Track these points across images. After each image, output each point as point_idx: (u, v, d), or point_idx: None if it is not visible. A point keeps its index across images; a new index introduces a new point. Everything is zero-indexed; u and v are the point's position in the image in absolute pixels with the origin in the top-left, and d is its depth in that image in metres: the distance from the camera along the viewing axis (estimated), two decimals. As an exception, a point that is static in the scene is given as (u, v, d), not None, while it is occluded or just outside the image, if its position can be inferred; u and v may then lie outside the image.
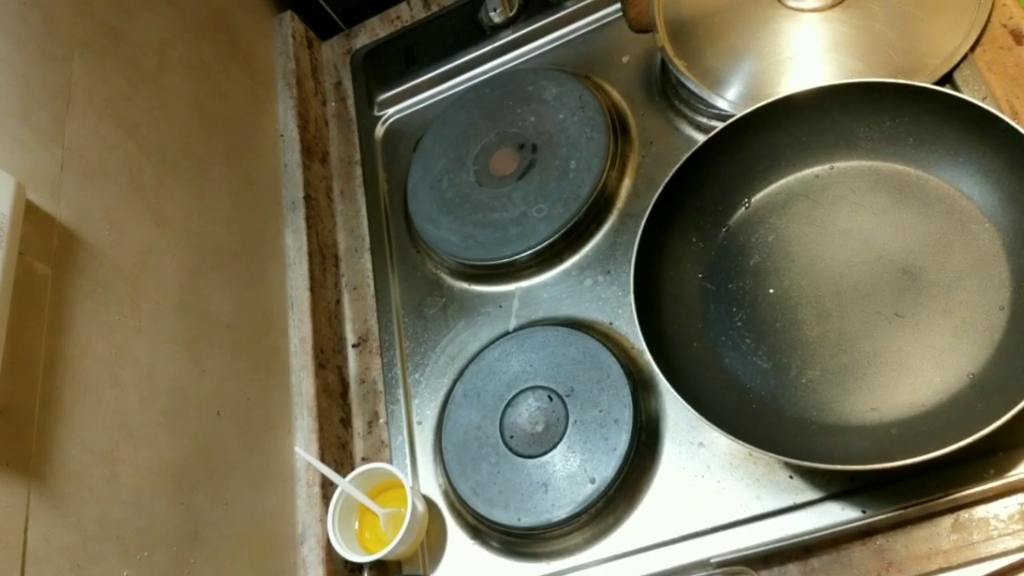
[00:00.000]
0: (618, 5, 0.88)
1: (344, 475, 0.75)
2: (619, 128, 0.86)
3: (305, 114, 1.01)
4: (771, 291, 0.70)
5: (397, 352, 0.87)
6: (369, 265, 0.94)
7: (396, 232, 0.94)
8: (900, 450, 0.56)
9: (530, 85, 0.91)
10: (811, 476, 0.65)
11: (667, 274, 0.71)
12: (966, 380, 0.61)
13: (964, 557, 0.60)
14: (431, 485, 0.79)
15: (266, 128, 0.97)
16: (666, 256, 0.72)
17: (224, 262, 0.81)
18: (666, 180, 0.70)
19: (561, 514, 0.70)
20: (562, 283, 0.82)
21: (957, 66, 0.72)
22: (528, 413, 0.75)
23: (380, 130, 1.02)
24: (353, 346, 0.90)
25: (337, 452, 0.82)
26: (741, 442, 0.59)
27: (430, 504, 0.78)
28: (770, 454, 0.59)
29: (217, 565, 0.67)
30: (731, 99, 0.77)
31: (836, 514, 0.63)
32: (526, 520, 0.71)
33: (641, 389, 0.73)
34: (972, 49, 0.72)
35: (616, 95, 0.89)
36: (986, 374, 0.61)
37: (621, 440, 0.70)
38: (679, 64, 0.80)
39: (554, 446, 0.73)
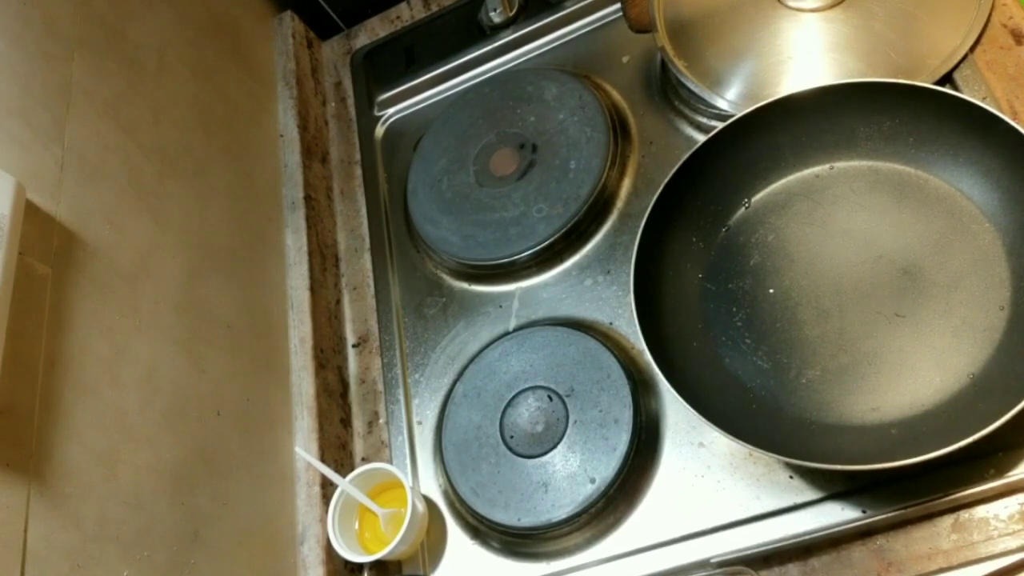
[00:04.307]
0: (618, 5, 0.88)
1: (344, 475, 0.75)
2: (619, 128, 0.86)
3: (305, 114, 1.01)
4: (771, 291, 0.70)
5: (397, 352, 0.87)
6: (369, 265, 0.94)
7: (396, 232, 0.94)
8: (900, 450, 0.56)
9: (530, 85, 0.91)
10: (811, 476, 0.65)
11: (667, 274, 0.71)
12: (966, 380, 0.61)
13: (964, 557, 0.60)
14: (431, 485, 0.79)
15: (266, 128, 0.97)
16: (666, 256, 0.72)
17: (224, 262, 0.81)
18: (666, 180, 0.70)
19: (561, 514, 0.70)
20: (562, 283, 0.82)
21: (957, 66, 0.72)
22: (528, 413, 0.75)
23: (380, 130, 1.02)
24: (353, 346, 0.90)
25: (337, 452, 0.82)
26: (741, 442, 0.59)
27: (430, 504, 0.78)
28: (770, 454, 0.59)
29: (217, 565, 0.67)
30: (731, 99, 0.77)
31: (836, 514, 0.63)
32: (526, 520, 0.71)
33: (641, 389, 0.73)
34: (972, 49, 0.72)
35: (616, 95, 0.89)
36: (986, 374, 0.61)
37: (621, 440, 0.70)
38: (679, 64, 0.80)
39: (554, 446, 0.73)
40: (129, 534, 0.60)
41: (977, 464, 0.60)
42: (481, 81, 0.98)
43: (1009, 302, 0.63)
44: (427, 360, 0.85)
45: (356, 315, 0.92)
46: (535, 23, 0.96)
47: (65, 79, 0.69)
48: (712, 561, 0.65)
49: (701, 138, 0.71)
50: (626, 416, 0.71)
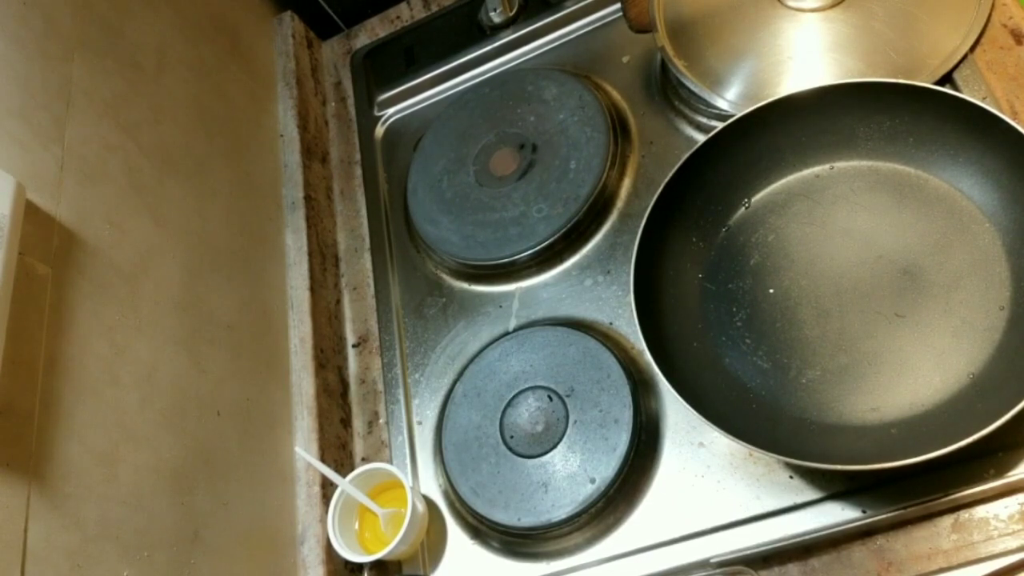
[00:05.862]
0: (618, 5, 0.88)
1: (344, 475, 0.75)
2: (619, 128, 0.86)
3: (305, 114, 1.01)
4: (771, 291, 0.70)
5: (397, 352, 0.87)
6: (369, 265, 0.94)
7: (396, 232, 0.94)
8: (900, 450, 0.56)
9: (530, 85, 0.91)
10: (811, 476, 0.65)
11: (667, 274, 0.71)
12: (966, 380, 0.61)
13: (964, 557, 0.60)
14: (431, 485, 0.79)
15: (266, 128, 0.97)
16: (666, 256, 0.72)
17: (224, 262, 0.81)
18: (666, 180, 0.70)
19: (561, 514, 0.70)
20: (562, 283, 0.82)
21: (957, 66, 0.72)
22: (528, 413, 0.75)
23: (380, 130, 1.02)
24: (353, 346, 0.90)
25: (337, 452, 0.82)
26: (741, 442, 0.59)
27: (430, 504, 0.78)
28: (770, 454, 0.59)
29: (217, 565, 0.67)
30: (731, 99, 0.77)
31: (836, 514, 0.63)
32: (526, 520, 0.71)
33: (641, 389, 0.73)
34: (972, 49, 0.72)
35: (616, 95, 0.89)
36: (986, 374, 0.61)
37: (621, 440, 0.70)
38: (679, 64, 0.80)
39: (554, 446, 0.73)
40: (129, 534, 0.60)
41: (977, 464, 0.60)
42: (481, 81, 0.98)
43: (1009, 302, 0.63)
44: (427, 360, 0.85)
45: (356, 315, 0.92)
46: (535, 23, 0.96)
47: (65, 79, 0.69)
48: (712, 561, 0.65)
49: (701, 138, 0.71)
50: (626, 416, 0.71)
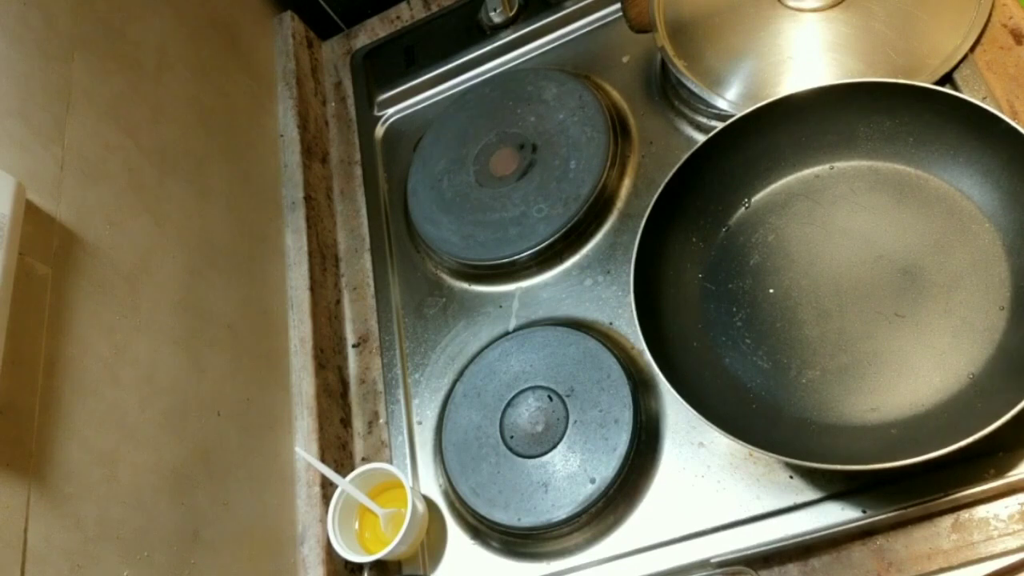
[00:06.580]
0: (618, 5, 0.88)
1: (344, 475, 0.75)
2: (619, 128, 0.86)
3: (305, 114, 1.01)
4: (771, 291, 0.70)
5: (397, 352, 0.87)
6: (369, 265, 0.94)
7: (396, 232, 0.94)
8: (900, 450, 0.56)
9: (530, 85, 0.91)
10: (811, 476, 0.65)
11: (667, 274, 0.71)
12: (966, 380, 0.61)
13: (964, 557, 0.60)
14: (431, 485, 0.79)
15: (266, 128, 0.97)
16: (666, 256, 0.72)
17: (224, 262, 0.81)
18: (666, 180, 0.70)
19: (561, 514, 0.70)
20: (562, 283, 0.82)
21: (957, 66, 0.72)
22: (528, 413, 0.75)
23: (380, 130, 1.02)
24: (353, 346, 0.90)
25: (337, 452, 0.82)
26: (741, 442, 0.59)
27: (430, 504, 0.78)
28: (770, 454, 0.59)
29: (217, 565, 0.67)
30: (731, 99, 0.77)
31: (836, 514, 0.63)
32: (526, 520, 0.71)
33: (641, 389, 0.73)
34: (972, 49, 0.72)
35: (616, 95, 0.89)
36: (986, 374, 0.61)
37: (621, 440, 0.70)
38: (679, 64, 0.80)
39: (554, 446, 0.73)
40: (129, 534, 0.60)
41: (977, 464, 0.60)
42: (481, 81, 0.98)
43: (1009, 302, 0.63)
44: (427, 360, 0.85)
45: (356, 315, 0.92)
46: (535, 23, 0.96)
47: (65, 79, 0.69)
48: (712, 561, 0.65)
49: (701, 138, 0.71)
50: (626, 416, 0.71)
